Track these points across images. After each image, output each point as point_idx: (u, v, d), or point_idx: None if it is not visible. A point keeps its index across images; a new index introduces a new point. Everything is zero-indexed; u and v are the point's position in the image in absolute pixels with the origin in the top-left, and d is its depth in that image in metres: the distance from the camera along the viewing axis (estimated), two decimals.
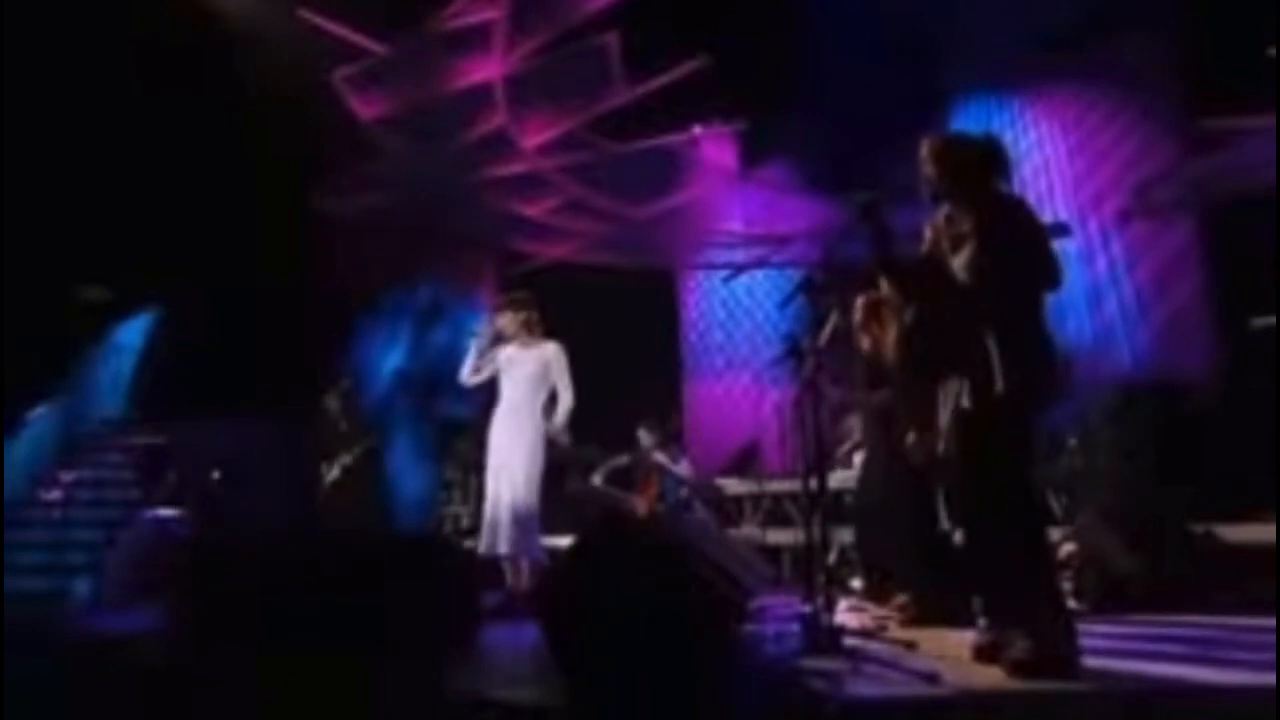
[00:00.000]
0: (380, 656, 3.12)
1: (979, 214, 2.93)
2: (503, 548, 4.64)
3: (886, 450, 4.46)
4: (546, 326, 5.04)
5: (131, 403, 8.41)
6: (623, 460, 7.98)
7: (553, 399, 4.93)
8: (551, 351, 4.90)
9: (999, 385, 2.77)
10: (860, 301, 4.67)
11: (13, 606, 5.44)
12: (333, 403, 6.84)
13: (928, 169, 3.06)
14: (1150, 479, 5.46)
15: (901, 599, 4.20)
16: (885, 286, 3.42)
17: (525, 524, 4.68)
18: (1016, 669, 2.65)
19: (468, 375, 5.02)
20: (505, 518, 4.67)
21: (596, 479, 7.94)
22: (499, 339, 5.00)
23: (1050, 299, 2.94)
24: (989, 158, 3.05)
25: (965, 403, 2.90)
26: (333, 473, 6.67)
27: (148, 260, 8.47)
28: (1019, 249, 2.84)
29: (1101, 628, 3.57)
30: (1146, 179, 7.99)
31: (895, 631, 3.61)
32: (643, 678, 2.59)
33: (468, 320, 5.59)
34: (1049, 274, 2.86)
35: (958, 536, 4.54)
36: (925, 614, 3.96)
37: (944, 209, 3.09)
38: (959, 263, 2.93)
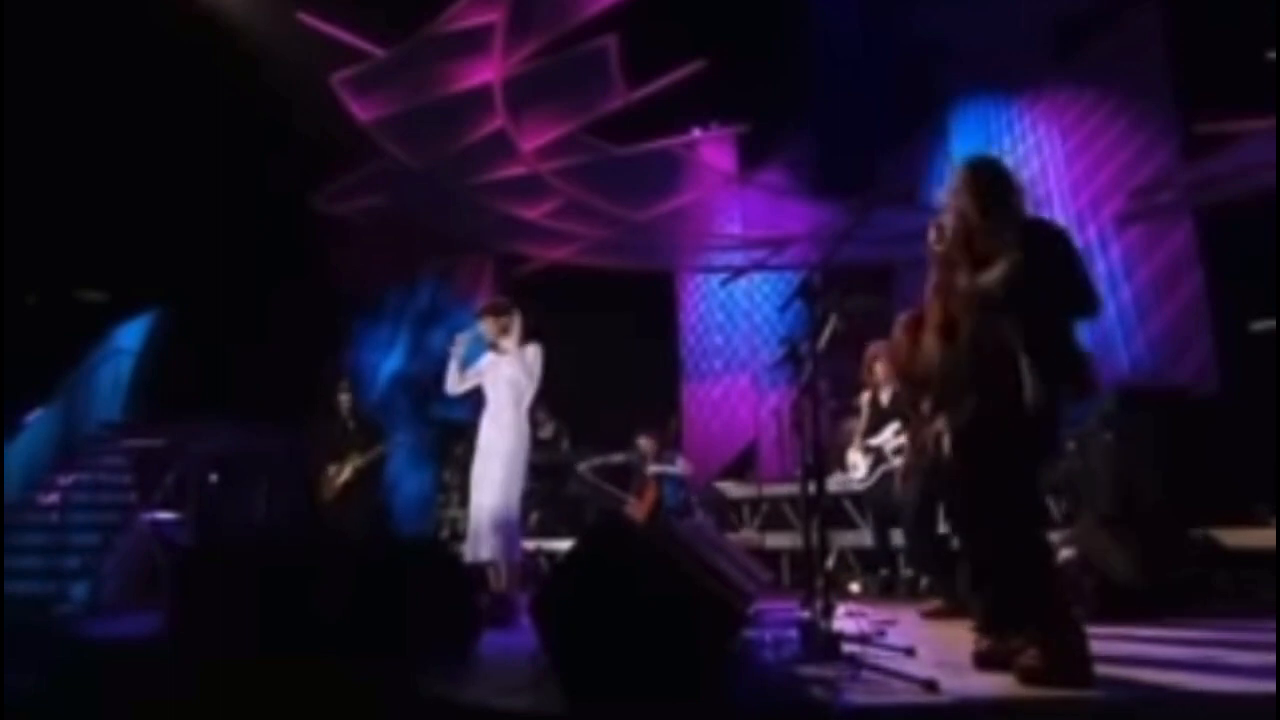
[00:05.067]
0: (382, 662, 3.11)
1: (1019, 234, 2.93)
2: (484, 554, 4.68)
3: (914, 454, 4.60)
4: (527, 330, 5.09)
5: (130, 405, 8.39)
6: (616, 458, 8.00)
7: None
8: (529, 354, 4.97)
9: (1027, 397, 2.75)
10: (902, 318, 4.81)
11: (10, 610, 5.42)
12: (344, 399, 6.83)
13: (963, 196, 3.06)
14: (1149, 483, 5.44)
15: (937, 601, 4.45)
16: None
17: (503, 529, 4.73)
18: (1028, 676, 2.63)
19: (452, 386, 5.08)
20: (485, 523, 4.72)
21: (582, 467, 7.95)
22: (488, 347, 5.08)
23: None
24: (1008, 176, 3.08)
25: (972, 415, 2.89)
26: (344, 474, 6.66)
27: (146, 262, 8.47)
28: (1060, 273, 2.85)
29: (1100, 633, 3.56)
30: (1145, 182, 8.00)
31: (894, 637, 3.61)
32: (641, 684, 2.58)
33: (466, 323, 5.60)
34: (1088, 301, 2.88)
35: (955, 542, 4.60)
36: (955, 611, 4.13)
37: (947, 216, 3.11)
38: (992, 277, 2.91)
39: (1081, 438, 5.86)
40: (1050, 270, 2.84)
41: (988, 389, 2.85)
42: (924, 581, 5.03)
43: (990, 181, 3.05)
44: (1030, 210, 3.14)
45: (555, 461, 8.14)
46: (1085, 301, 2.88)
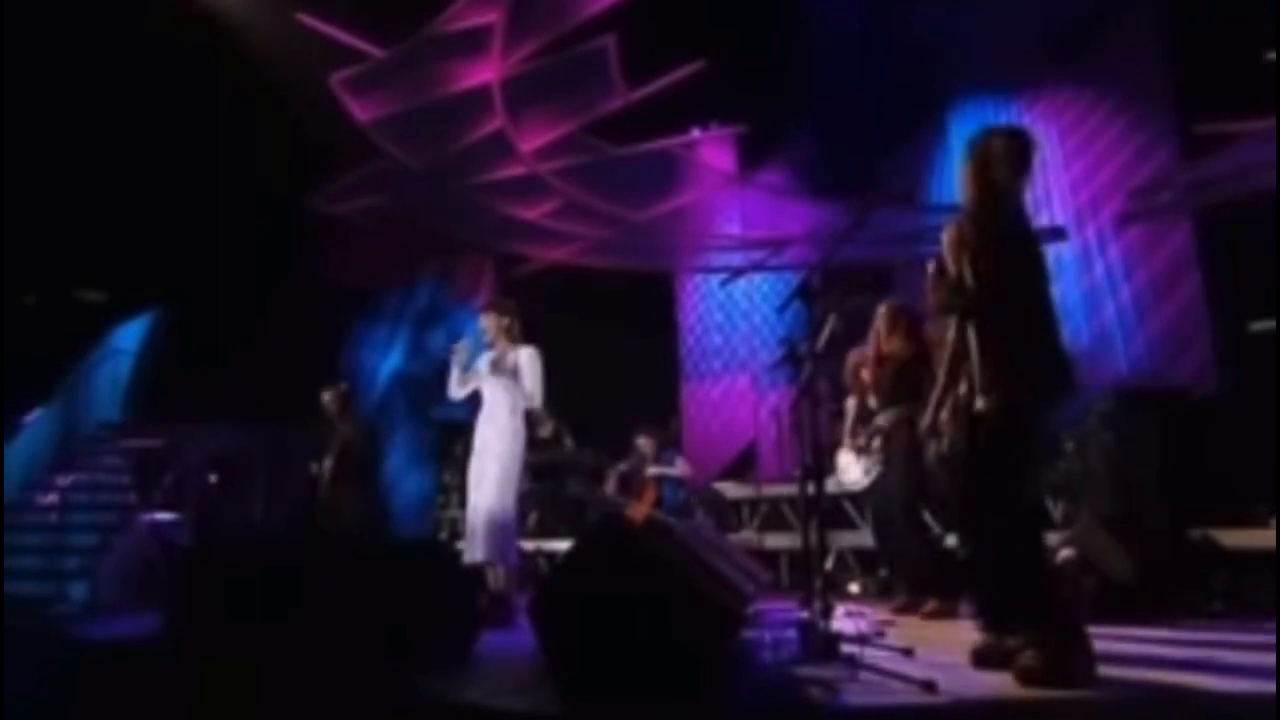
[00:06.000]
0: (383, 663, 3.11)
1: (974, 219, 2.93)
2: (480, 554, 4.68)
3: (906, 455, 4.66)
4: (526, 332, 5.11)
5: (129, 406, 8.39)
6: (621, 467, 7.98)
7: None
8: (524, 356, 4.97)
9: (992, 397, 2.76)
10: (883, 309, 4.82)
11: (8, 611, 5.41)
12: (326, 397, 6.79)
13: (965, 184, 3.06)
14: (1147, 484, 5.44)
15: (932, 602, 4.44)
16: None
17: (500, 530, 4.73)
18: (1027, 676, 2.63)
19: (454, 392, 5.10)
20: (480, 524, 4.73)
21: (609, 488, 7.92)
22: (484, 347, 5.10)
23: None
24: (1000, 160, 3.02)
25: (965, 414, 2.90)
26: (325, 470, 6.64)
27: (145, 262, 8.48)
28: (1008, 256, 2.84)
29: (1100, 633, 3.56)
30: (1145, 183, 7.99)
31: (893, 638, 3.61)
32: (640, 684, 2.58)
33: (466, 323, 5.61)
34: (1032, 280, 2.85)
35: (949, 541, 4.61)
36: (951, 612, 4.22)
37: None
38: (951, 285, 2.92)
39: (1081, 438, 5.86)
40: (998, 276, 2.82)
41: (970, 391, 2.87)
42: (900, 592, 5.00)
43: (983, 167, 3.01)
44: (1028, 192, 3.10)
45: (555, 461, 8.13)
46: (1024, 305, 2.83)
